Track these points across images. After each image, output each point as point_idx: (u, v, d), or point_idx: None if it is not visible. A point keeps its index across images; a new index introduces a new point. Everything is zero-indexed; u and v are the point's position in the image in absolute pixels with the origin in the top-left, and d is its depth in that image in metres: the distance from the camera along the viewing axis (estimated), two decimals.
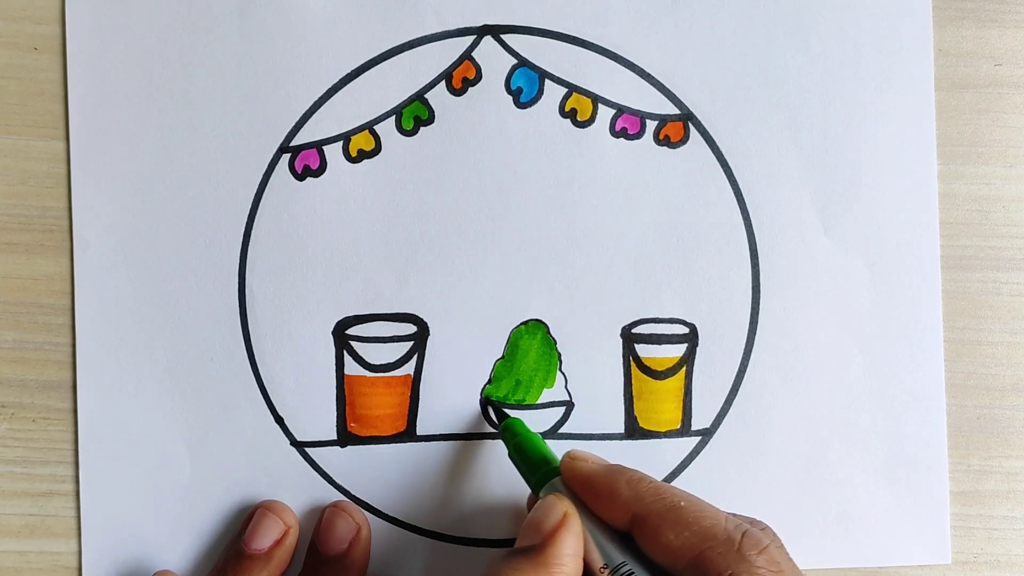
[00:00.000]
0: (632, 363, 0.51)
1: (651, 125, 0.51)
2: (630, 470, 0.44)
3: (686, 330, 0.51)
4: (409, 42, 0.51)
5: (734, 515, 0.42)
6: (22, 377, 0.50)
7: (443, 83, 0.51)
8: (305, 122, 0.51)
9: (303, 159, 0.51)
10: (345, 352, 0.50)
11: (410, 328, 0.51)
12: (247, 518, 0.49)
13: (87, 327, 0.50)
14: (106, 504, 0.50)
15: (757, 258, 0.52)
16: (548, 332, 0.51)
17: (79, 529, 0.50)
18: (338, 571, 0.48)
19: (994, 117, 0.52)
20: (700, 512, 0.41)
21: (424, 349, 0.51)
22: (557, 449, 0.50)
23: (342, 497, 0.50)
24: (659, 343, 0.51)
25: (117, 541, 0.50)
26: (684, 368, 0.51)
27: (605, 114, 0.51)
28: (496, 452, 0.51)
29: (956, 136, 0.52)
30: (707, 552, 0.40)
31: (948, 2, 0.52)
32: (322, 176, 0.51)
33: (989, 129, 0.52)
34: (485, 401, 0.51)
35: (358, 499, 0.50)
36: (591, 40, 0.51)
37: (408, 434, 0.51)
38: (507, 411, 0.50)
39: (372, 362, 0.50)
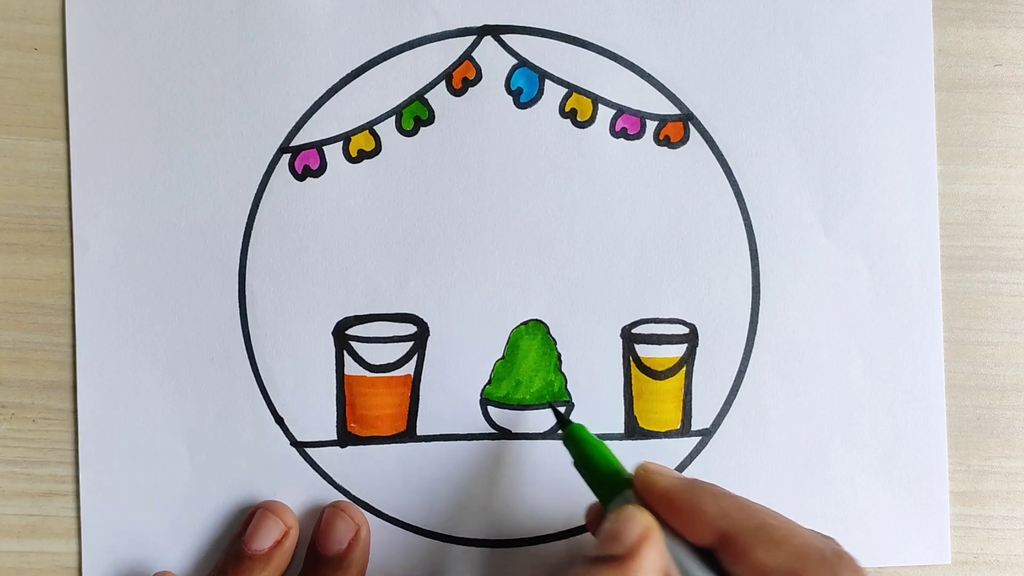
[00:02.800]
0: (632, 363, 0.51)
1: (651, 125, 0.51)
2: (710, 485, 0.42)
3: (686, 330, 0.51)
4: (409, 42, 0.51)
5: (815, 532, 0.41)
6: (22, 377, 0.50)
7: (443, 83, 0.51)
8: (305, 122, 0.51)
9: (303, 159, 0.51)
10: (345, 352, 0.50)
11: (410, 328, 0.51)
12: (247, 519, 0.49)
13: (87, 327, 0.50)
14: (106, 505, 0.50)
15: (757, 258, 0.52)
16: (548, 332, 0.51)
17: (79, 529, 0.50)
18: (337, 571, 0.48)
19: (994, 117, 0.52)
20: (790, 530, 0.40)
21: (424, 349, 0.51)
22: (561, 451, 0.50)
23: (342, 497, 0.50)
24: (659, 343, 0.51)
25: (117, 542, 0.50)
26: (684, 368, 0.51)
27: (605, 114, 0.51)
28: (496, 453, 0.51)
29: (956, 136, 0.52)
30: (803, 573, 0.39)
31: (948, 2, 0.52)
32: (322, 176, 0.51)
33: (989, 129, 0.52)
34: (485, 401, 0.51)
35: (358, 499, 0.50)
36: (591, 40, 0.51)
37: (408, 434, 0.51)
38: (570, 418, 0.50)
39: (372, 362, 0.50)
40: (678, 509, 0.42)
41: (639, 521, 0.41)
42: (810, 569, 0.39)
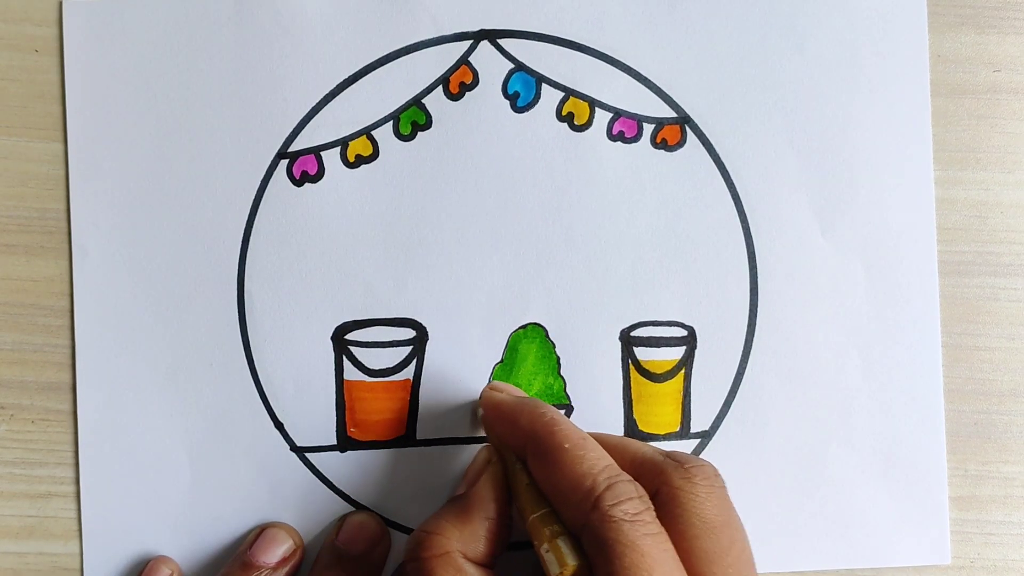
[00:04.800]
0: (631, 366, 0.51)
1: (648, 128, 0.51)
2: (542, 405, 0.45)
3: (684, 333, 0.51)
4: (406, 47, 0.51)
5: (656, 455, 0.44)
6: (21, 378, 0.50)
7: (440, 88, 0.51)
8: (303, 128, 0.51)
9: (301, 165, 0.51)
10: (344, 357, 0.50)
11: (409, 333, 0.51)
12: (256, 534, 0.49)
13: (86, 331, 0.50)
14: (107, 507, 0.50)
15: (755, 260, 0.51)
16: (547, 336, 0.51)
17: (79, 531, 0.50)
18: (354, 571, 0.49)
19: (992, 123, 0.52)
20: (578, 459, 0.42)
21: (423, 353, 0.51)
22: None
23: (342, 502, 0.50)
24: (658, 346, 0.51)
25: (118, 544, 0.50)
26: (683, 371, 0.51)
27: (602, 118, 0.51)
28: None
29: (955, 142, 0.52)
30: (569, 497, 0.41)
31: (947, 8, 0.52)
32: (320, 182, 0.51)
33: (987, 135, 0.52)
34: (476, 407, 0.51)
35: (358, 503, 0.51)
36: (588, 44, 0.51)
37: (408, 438, 0.51)
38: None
39: (371, 367, 0.51)
40: (502, 420, 0.46)
41: (478, 459, 0.47)
42: (574, 496, 0.41)
